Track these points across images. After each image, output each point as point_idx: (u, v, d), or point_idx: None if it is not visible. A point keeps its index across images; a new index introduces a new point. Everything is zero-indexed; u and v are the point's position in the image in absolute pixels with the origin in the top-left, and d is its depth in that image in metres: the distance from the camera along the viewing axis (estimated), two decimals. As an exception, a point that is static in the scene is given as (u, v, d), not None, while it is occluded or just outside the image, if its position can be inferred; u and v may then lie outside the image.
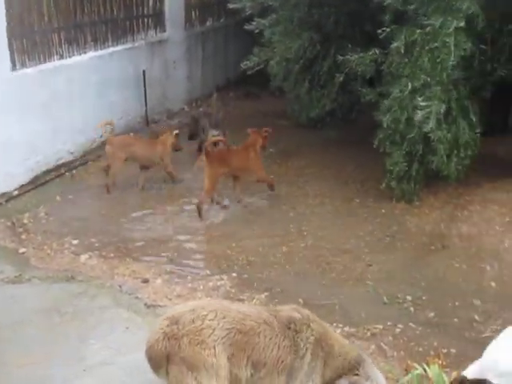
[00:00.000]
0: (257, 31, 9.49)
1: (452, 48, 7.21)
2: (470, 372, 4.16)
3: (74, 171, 9.72)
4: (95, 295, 6.36)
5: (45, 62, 9.60)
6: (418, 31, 7.50)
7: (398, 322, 5.90)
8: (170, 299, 6.31)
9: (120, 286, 6.57)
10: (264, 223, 8.13)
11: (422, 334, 5.73)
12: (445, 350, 5.41)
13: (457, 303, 6.24)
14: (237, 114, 12.25)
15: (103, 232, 7.84)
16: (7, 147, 8.66)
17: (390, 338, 5.71)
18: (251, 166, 8.73)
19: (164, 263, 7.13)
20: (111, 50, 11.03)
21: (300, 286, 6.61)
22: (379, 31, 7.84)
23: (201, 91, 13.57)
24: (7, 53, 8.77)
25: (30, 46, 9.32)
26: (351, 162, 9.86)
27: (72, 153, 9.98)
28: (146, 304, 6.24)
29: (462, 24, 7.20)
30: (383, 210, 8.33)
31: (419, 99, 7.49)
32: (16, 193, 8.77)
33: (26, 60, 9.24)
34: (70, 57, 10.14)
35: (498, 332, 4.50)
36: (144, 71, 11.61)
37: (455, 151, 7.91)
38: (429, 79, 7.55)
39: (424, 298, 6.34)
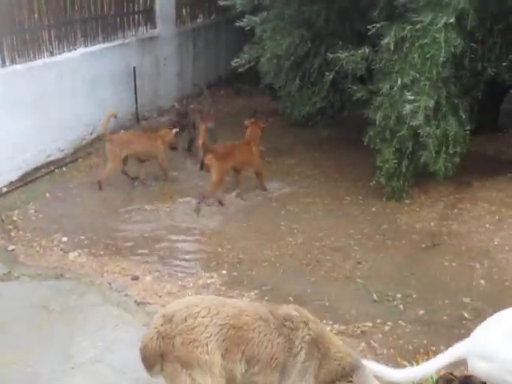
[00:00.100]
0: (248, 28, 9.47)
1: (442, 44, 7.22)
2: (455, 350, 4.17)
3: (64, 168, 9.68)
4: (84, 293, 6.32)
5: (35, 58, 9.54)
6: (408, 27, 7.53)
7: (387, 320, 5.91)
8: (160, 296, 6.30)
9: (110, 284, 6.54)
10: (254, 221, 8.13)
11: (412, 332, 5.74)
12: (434, 348, 5.42)
13: (446, 301, 6.25)
14: (228, 112, 12.25)
15: (93, 229, 7.81)
16: (-4, 144, 8.62)
17: (380, 335, 5.72)
18: (254, 160, 8.81)
19: (154, 261, 7.11)
20: (101, 46, 10.98)
21: (290, 284, 6.61)
22: (369, 27, 7.86)
23: (192, 88, 13.53)
24: (-3, 49, 8.74)
25: (20, 42, 9.26)
26: (342, 160, 9.89)
27: (62, 150, 9.93)
28: (135, 301, 6.21)
29: (452, 20, 7.21)
30: (374, 208, 8.35)
31: (408, 94, 7.51)
32: (5, 190, 8.72)
33: (16, 57, 9.18)
34: (60, 53, 10.08)
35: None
36: (134, 68, 11.58)
37: (444, 148, 7.92)
38: (418, 75, 7.58)
39: (414, 295, 6.35)
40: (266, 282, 6.63)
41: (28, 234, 7.64)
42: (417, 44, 7.51)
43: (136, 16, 12.17)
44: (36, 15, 9.62)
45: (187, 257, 7.30)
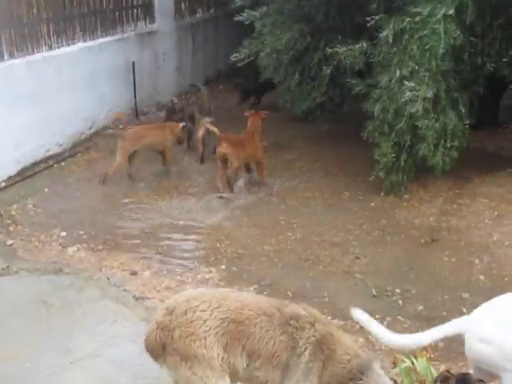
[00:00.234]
0: (247, 23, 9.45)
1: (442, 35, 7.20)
2: (455, 325, 4.18)
3: (63, 163, 9.67)
4: (83, 287, 6.32)
5: (33, 52, 9.53)
6: (407, 19, 7.52)
7: (386, 315, 5.90)
8: (159, 291, 6.29)
9: (108, 279, 6.53)
10: (254, 216, 8.12)
11: (411, 327, 5.72)
12: (432, 344, 5.42)
13: (446, 296, 6.24)
14: (227, 107, 12.22)
15: (91, 224, 7.80)
16: (-5, 138, 8.61)
17: (379, 330, 5.70)
18: (259, 152, 8.84)
19: (153, 255, 7.10)
20: (100, 41, 10.97)
21: (289, 279, 6.60)
22: (368, 19, 7.85)
23: (191, 83, 13.50)
24: (-5, 43, 8.72)
25: (19, 37, 9.24)
26: (342, 154, 9.88)
27: (61, 145, 9.92)
28: (134, 296, 6.21)
29: (452, 12, 7.21)
30: (373, 204, 8.34)
31: (406, 83, 7.49)
32: (4, 184, 8.72)
33: (15, 51, 9.17)
34: (58, 48, 10.07)
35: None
36: (133, 63, 11.55)
37: (442, 141, 7.90)
38: (417, 67, 7.57)
39: (413, 291, 6.34)
40: (264, 277, 6.62)
41: (27, 229, 7.63)
42: (416, 36, 7.50)
43: (135, 10, 12.15)
44: (35, 9, 9.61)
45: (186, 252, 7.29)
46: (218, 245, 7.35)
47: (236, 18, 9.50)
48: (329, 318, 5.74)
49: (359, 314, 4.25)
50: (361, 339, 5.52)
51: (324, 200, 8.51)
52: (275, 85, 11.03)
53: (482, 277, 6.60)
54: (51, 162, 9.57)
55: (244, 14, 9.35)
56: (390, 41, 7.74)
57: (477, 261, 6.92)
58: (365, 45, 8.13)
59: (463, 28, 7.53)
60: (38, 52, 9.61)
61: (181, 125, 9.54)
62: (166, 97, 12.58)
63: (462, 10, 7.44)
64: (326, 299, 6.19)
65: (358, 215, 8.05)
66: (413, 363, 4.45)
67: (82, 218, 7.97)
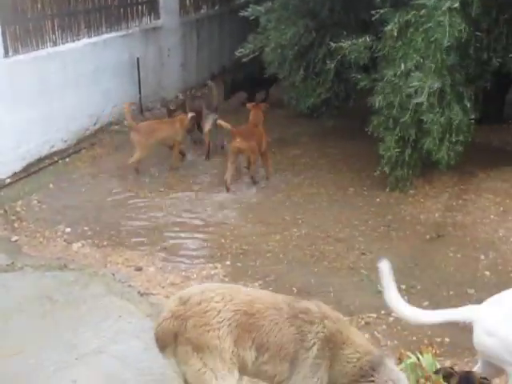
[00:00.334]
0: (252, 18, 9.43)
1: (447, 28, 7.17)
2: (465, 312, 4.20)
3: (68, 159, 9.67)
4: (88, 283, 6.33)
5: (38, 48, 9.53)
6: (412, 12, 7.51)
7: (391, 311, 5.86)
8: (164, 287, 6.29)
9: (113, 274, 6.54)
10: (259, 212, 8.11)
11: (416, 323, 5.71)
12: (438, 339, 5.41)
13: (451, 292, 6.23)
14: (232, 103, 12.19)
15: (96, 220, 7.81)
16: None
17: (384, 326, 5.70)
18: (265, 142, 8.95)
19: (157, 251, 7.10)
20: (105, 37, 10.96)
21: (294, 275, 6.59)
22: (373, 12, 7.83)
23: (195, 79, 13.51)
24: (0, 39, 8.69)
25: (23, 32, 9.24)
26: (347, 150, 9.86)
27: (65, 141, 9.93)
28: (139, 292, 6.21)
29: (457, 5, 7.18)
30: (378, 199, 8.32)
31: (412, 74, 7.47)
32: (8, 181, 8.73)
33: (19, 47, 9.17)
34: (63, 44, 10.07)
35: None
36: (138, 59, 11.54)
37: (447, 135, 7.87)
38: (422, 60, 7.54)
39: (418, 286, 6.32)
40: (269, 273, 6.61)
41: (31, 225, 7.63)
42: (421, 29, 7.47)
43: (140, 6, 12.14)
44: (39, 5, 9.61)
45: (191, 248, 7.28)
46: (223, 241, 7.34)
47: (241, 14, 9.48)
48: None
49: (385, 267, 4.23)
50: (366, 335, 5.49)
51: (329, 196, 8.49)
52: (270, 80, 11.07)
53: (487, 272, 6.58)
54: (56, 158, 9.57)
55: (249, 9, 9.33)
56: (395, 34, 7.71)
57: (482, 256, 6.89)
58: (368, 39, 8.10)
59: (469, 22, 7.50)
60: (42, 48, 9.61)
61: (189, 115, 9.59)
62: (171, 93, 12.59)
63: (468, 4, 7.40)
64: (332, 295, 6.17)
65: (364, 211, 8.03)
66: (418, 359, 4.44)
67: (86, 213, 7.98)
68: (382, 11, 7.77)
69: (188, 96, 12.35)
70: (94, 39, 10.69)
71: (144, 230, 7.62)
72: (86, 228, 7.60)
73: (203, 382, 3.85)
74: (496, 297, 4.21)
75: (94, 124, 10.52)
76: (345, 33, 8.63)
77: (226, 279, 6.45)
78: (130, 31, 11.65)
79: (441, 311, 4.31)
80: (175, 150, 9.40)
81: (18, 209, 8.02)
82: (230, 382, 3.86)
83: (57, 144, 9.73)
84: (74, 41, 10.28)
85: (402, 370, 4.47)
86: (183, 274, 6.60)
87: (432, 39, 7.40)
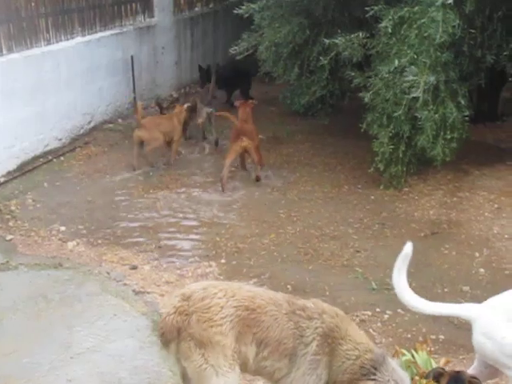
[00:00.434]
0: (246, 16, 9.42)
1: (440, 23, 7.19)
2: (465, 310, 4.28)
3: (62, 158, 9.63)
4: (83, 282, 6.32)
5: (32, 47, 9.48)
6: (406, 9, 7.52)
7: (386, 309, 5.90)
8: (159, 286, 6.29)
9: (108, 273, 6.52)
10: (253, 210, 8.11)
11: (411, 321, 5.73)
12: (433, 337, 5.43)
13: (446, 289, 6.25)
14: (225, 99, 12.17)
15: (91, 219, 7.79)
16: (-7, 133, 8.59)
17: (379, 324, 5.72)
18: (257, 137, 9.03)
19: (152, 250, 7.10)
20: (99, 35, 10.90)
21: (288, 272, 6.60)
22: (367, 9, 7.84)
23: (190, 77, 13.48)
24: (-7, 38, 8.68)
25: (17, 31, 9.20)
26: (342, 148, 9.87)
27: (60, 139, 9.89)
28: (134, 290, 6.20)
29: (451, 1, 7.19)
30: (373, 197, 8.33)
31: (407, 69, 7.48)
32: (3, 179, 8.69)
33: (13, 45, 9.12)
34: (57, 42, 10.02)
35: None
36: (132, 57, 11.50)
37: (442, 132, 7.89)
38: (416, 56, 7.54)
39: (413, 284, 6.22)
40: (264, 271, 6.62)
41: (26, 224, 7.61)
42: (415, 25, 7.50)
43: (133, 5, 12.08)
44: (33, 3, 9.53)
45: (185, 246, 7.27)
46: (218, 239, 7.34)
47: (235, 11, 9.47)
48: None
49: (408, 249, 4.24)
50: (361, 332, 5.51)
51: (324, 194, 8.50)
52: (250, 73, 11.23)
53: (482, 270, 6.61)
54: (50, 157, 9.53)
55: (243, 7, 9.32)
56: (390, 31, 7.72)
57: (477, 254, 6.91)
58: (361, 35, 8.12)
59: (463, 19, 7.52)
60: (36, 46, 9.55)
61: (185, 105, 9.70)
62: (165, 91, 12.57)
63: (461, 1, 7.42)
64: (327, 293, 6.18)
65: (358, 208, 8.05)
66: (413, 356, 4.45)
67: (81, 212, 7.96)
68: (376, 8, 7.78)
69: (181, 93, 12.35)
70: (87, 37, 10.63)
71: (139, 228, 7.61)
72: (80, 226, 7.58)
73: (204, 379, 3.86)
74: (497, 297, 4.21)
75: (89, 122, 10.49)
76: (339, 30, 8.63)
77: (221, 277, 6.45)
78: (124, 29, 11.60)
79: (442, 304, 4.32)
80: (175, 145, 9.44)
81: (13, 207, 7.99)
82: (231, 379, 3.86)
83: (51, 143, 9.70)
84: (68, 39, 10.22)
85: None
86: (178, 272, 6.60)
87: (425, 35, 7.42)
